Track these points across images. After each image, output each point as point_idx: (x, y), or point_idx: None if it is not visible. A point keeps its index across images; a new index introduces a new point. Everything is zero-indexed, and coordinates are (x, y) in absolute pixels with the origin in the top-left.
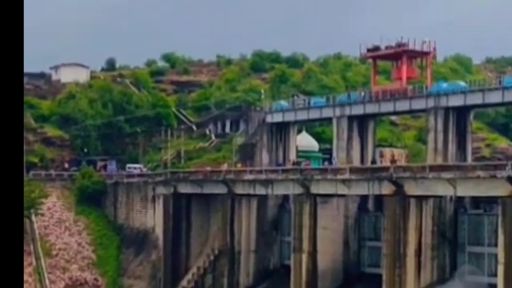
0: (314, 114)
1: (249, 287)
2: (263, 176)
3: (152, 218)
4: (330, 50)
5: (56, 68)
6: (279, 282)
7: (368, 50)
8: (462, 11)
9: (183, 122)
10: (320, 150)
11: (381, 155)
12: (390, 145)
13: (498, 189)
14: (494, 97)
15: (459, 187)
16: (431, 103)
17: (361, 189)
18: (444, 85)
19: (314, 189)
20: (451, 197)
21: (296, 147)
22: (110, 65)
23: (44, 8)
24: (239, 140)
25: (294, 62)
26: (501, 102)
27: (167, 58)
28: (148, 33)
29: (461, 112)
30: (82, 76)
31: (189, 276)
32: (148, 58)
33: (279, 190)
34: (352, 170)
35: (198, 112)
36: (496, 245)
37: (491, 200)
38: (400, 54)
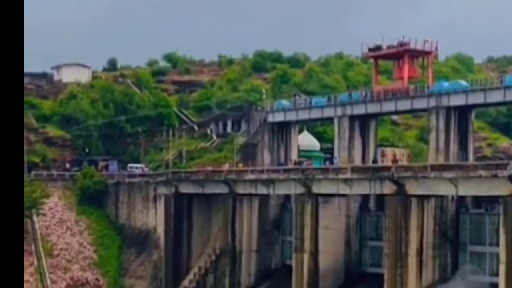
0: (315, 114)
1: (250, 287)
2: (264, 176)
3: (153, 218)
4: (331, 50)
5: (57, 68)
6: (281, 282)
7: (370, 50)
8: (462, 11)
9: (184, 122)
10: (322, 149)
11: (383, 155)
12: (392, 145)
13: (500, 189)
14: (496, 97)
15: (461, 186)
16: (432, 102)
17: (362, 188)
18: (446, 84)
19: (316, 188)
20: (452, 197)
21: (298, 147)
22: (112, 65)
23: (45, 8)
24: (240, 140)
25: (296, 62)
26: (503, 102)
27: (168, 58)
28: (150, 33)
29: (463, 112)
30: (84, 76)
31: (190, 276)
32: (150, 58)
33: (281, 189)
34: (354, 170)
35: (199, 112)
36: (497, 244)
37: (493, 200)
38: (401, 53)
